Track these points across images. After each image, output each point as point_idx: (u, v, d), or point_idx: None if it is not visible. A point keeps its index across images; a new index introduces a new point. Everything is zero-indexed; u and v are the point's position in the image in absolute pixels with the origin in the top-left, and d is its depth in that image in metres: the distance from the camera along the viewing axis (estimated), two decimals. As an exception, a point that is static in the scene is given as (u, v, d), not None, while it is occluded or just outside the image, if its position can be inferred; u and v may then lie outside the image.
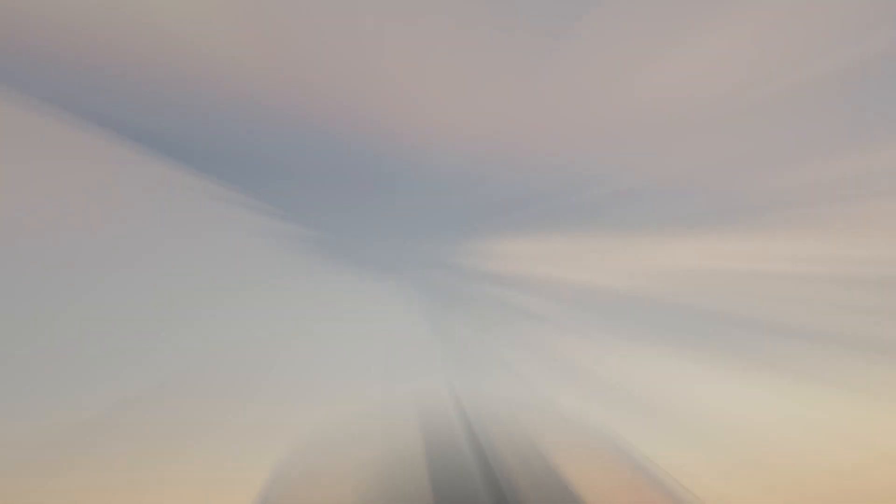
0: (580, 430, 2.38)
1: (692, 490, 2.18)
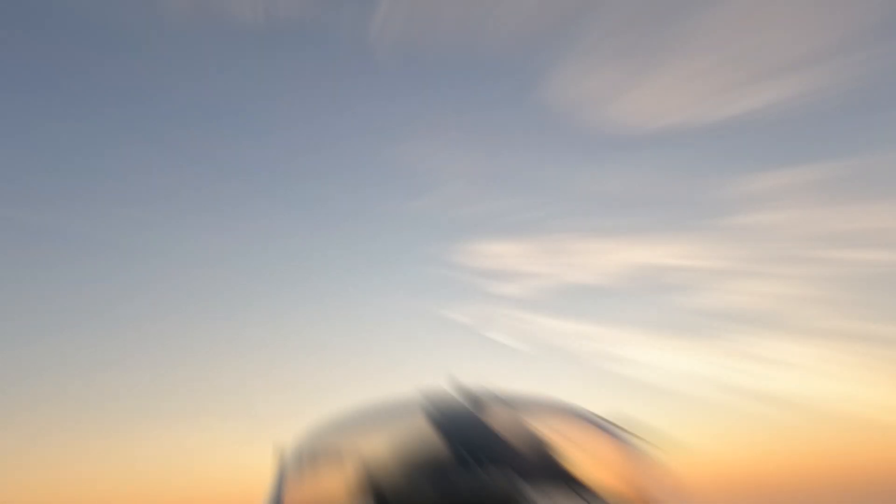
0: (558, 403, 2.54)
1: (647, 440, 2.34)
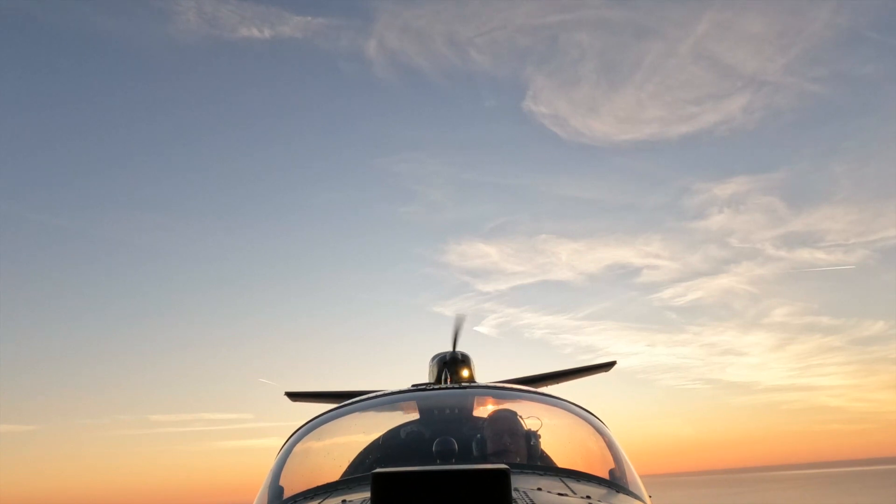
0: (532, 391, 2.69)
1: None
